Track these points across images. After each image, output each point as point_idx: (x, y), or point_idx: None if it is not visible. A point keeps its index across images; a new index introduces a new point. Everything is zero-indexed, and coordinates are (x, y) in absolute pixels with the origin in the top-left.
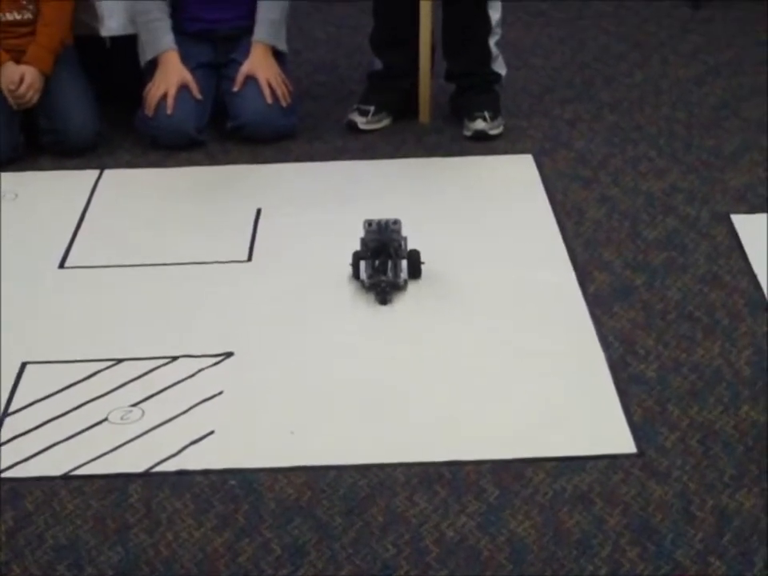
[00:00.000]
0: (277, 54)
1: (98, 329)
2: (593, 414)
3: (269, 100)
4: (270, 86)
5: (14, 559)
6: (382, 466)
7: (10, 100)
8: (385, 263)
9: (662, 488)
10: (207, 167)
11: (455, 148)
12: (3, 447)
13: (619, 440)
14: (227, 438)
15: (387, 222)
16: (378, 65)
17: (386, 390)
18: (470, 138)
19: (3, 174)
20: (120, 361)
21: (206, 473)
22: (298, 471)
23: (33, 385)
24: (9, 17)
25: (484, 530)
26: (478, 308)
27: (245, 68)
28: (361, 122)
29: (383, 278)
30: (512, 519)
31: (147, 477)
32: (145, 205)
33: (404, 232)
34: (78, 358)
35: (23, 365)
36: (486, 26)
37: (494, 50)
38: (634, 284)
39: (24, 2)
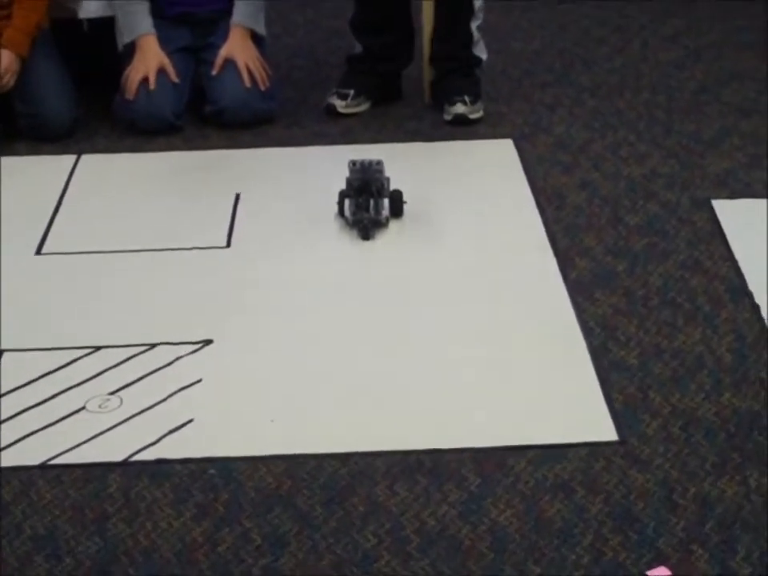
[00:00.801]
0: (255, 38)
1: (75, 316)
2: (574, 401)
3: (247, 84)
4: (248, 69)
5: None
6: (362, 455)
7: None
8: (367, 200)
9: (643, 476)
10: (185, 152)
11: (435, 133)
12: None
13: (601, 428)
14: (206, 427)
15: (371, 161)
16: (358, 48)
17: (367, 376)
18: (450, 123)
19: None
20: (98, 348)
21: (185, 462)
22: (278, 460)
23: (9, 373)
24: None
25: (465, 519)
26: (459, 294)
27: (223, 51)
28: (340, 105)
29: (365, 214)
30: (493, 508)
31: (126, 466)
32: (122, 190)
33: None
34: (55, 346)
35: (0, 353)
36: (470, 10)
37: (475, 34)
38: (616, 270)
39: None
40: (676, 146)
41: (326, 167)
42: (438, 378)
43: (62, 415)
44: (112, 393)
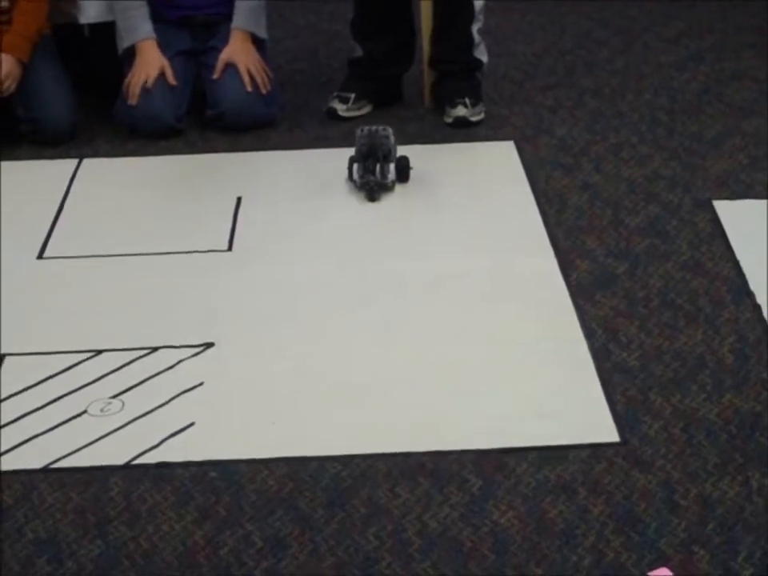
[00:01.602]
0: (256, 41)
1: (77, 320)
2: (575, 402)
3: (248, 87)
4: (249, 73)
5: None
6: (364, 457)
7: None
8: (374, 164)
9: (645, 477)
10: (187, 156)
11: (437, 135)
12: None
13: (602, 429)
14: (208, 430)
15: (377, 128)
16: (359, 52)
17: (368, 379)
18: (451, 125)
19: None
20: (100, 352)
21: (186, 465)
22: (280, 462)
23: (11, 377)
24: None
25: (467, 521)
26: (461, 296)
27: (224, 55)
28: (341, 109)
29: (372, 177)
30: (495, 510)
31: (127, 469)
32: (124, 194)
33: (385, 220)
34: (58, 350)
35: (2, 357)
36: (470, 13)
37: (476, 36)
38: (617, 271)
39: None
40: (677, 148)
41: (327, 170)
42: (439, 380)
43: (63, 419)
44: (114, 396)
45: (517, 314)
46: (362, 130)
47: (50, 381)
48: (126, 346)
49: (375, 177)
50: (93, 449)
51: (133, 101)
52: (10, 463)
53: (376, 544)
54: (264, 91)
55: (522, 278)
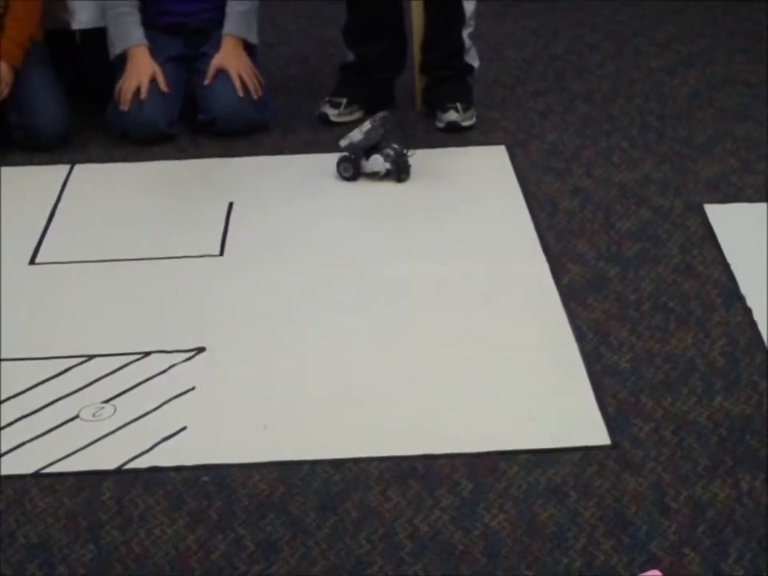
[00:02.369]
0: (248, 47)
1: (69, 325)
2: (567, 405)
3: (240, 93)
4: (240, 78)
5: None
6: (355, 461)
7: None
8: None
9: (636, 480)
10: (178, 161)
11: (428, 139)
12: None
13: (593, 432)
14: (200, 434)
15: (384, 116)
16: (351, 57)
17: (359, 382)
18: (443, 130)
19: None
20: (91, 357)
21: (178, 469)
22: (271, 466)
23: (3, 382)
24: None
25: (458, 524)
26: (452, 300)
27: (215, 61)
28: (333, 114)
29: (403, 154)
30: (486, 513)
31: (119, 474)
32: (116, 199)
33: (377, 224)
34: (49, 355)
35: None
36: (460, 19)
37: (467, 41)
38: (608, 275)
39: None
40: (668, 152)
41: (319, 175)
42: (431, 383)
43: (55, 424)
44: (106, 401)
45: (508, 317)
46: (374, 120)
47: (42, 386)
48: (117, 351)
49: (404, 154)
50: (85, 453)
51: (125, 107)
52: (2, 468)
53: (368, 548)
54: (255, 97)
55: (514, 282)
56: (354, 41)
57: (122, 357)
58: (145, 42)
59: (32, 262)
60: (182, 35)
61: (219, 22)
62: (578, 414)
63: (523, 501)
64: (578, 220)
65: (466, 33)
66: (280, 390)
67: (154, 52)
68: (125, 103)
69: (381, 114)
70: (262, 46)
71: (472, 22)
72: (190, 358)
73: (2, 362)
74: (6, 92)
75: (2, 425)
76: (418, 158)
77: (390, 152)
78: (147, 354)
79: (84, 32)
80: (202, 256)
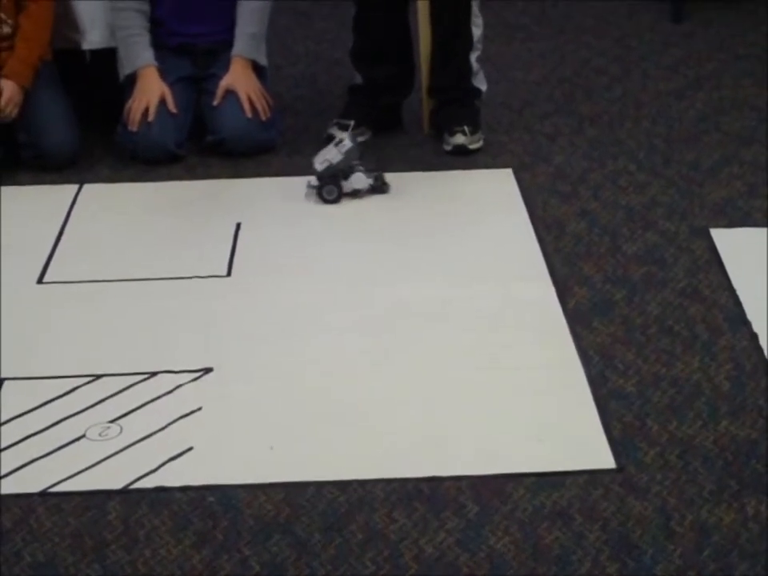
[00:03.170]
0: (257, 68)
1: (76, 344)
2: (572, 429)
3: (248, 114)
4: (249, 99)
5: None
6: (361, 482)
7: None
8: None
9: (641, 503)
10: (187, 182)
11: (435, 162)
12: None
13: (599, 455)
14: (206, 455)
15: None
16: (359, 79)
17: (365, 404)
18: (450, 153)
19: None
20: (98, 377)
21: (184, 489)
22: (277, 487)
23: (10, 401)
24: None
25: (463, 546)
26: (458, 323)
27: (224, 82)
28: (341, 136)
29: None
30: (491, 535)
31: (125, 494)
32: (124, 219)
33: (384, 246)
34: (56, 374)
35: (1, 381)
36: (468, 42)
37: (474, 65)
38: (614, 298)
39: (3, 17)
40: (675, 175)
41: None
42: (437, 405)
43: (62, 443)
44: (112, 421)
45: (514, 340)
46: (349, 139)
47: (49, 405)
48: (124, 371)
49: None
50: (91, 473)
51: (134, 127)
52: (9, 487)
53: (373, 569)
54: (264, 118)
55: (520, 305)
56: (361, 63)
57: (129, 377)
58: (154, 62)
59: (40, 281)
60: (191, 56)
61: (228, 43)
62: (583, 438)
63: (528, 524)
64: (585, 243)
65: (473, 56)
66: (286, 411)
67: (164, 73)
68: (134, 124)
69: (350, 133)
70: (270, 68)
71: (480, 45)
72: (196, 378)
73: (10, 381)
74: (15, 112)
75: (10, 443)
76: (425, 180)
77: (362, 167)
78: (154, 373)
79: (94, 52)
80: (209, 276)
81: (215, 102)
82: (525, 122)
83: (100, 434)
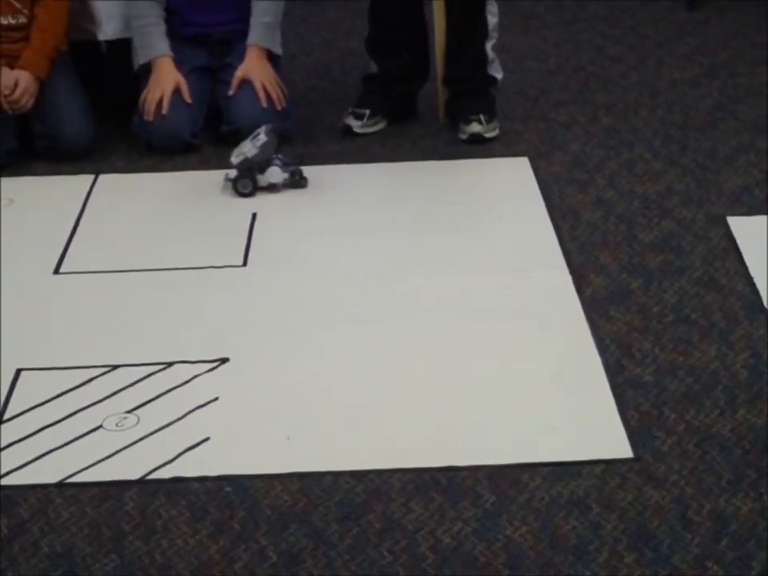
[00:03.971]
0: (272, 58)
1: (92, 335)
2: (589, 418)
3: (264, 103)
4: (264, 89)
5: (8, 567)
6: (378, 472)
7: (5, 105)
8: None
9: (658, 493)
10: (202, 171)
11: (451, 151)
12: None
13: (615, 445)
14: (223, 445)
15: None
16: (374, 68)
17: (382, 394)
18: (466, 141)
19: None
20: (115, 367)
21: (201, 479)
22: (294, 477)
23: (27, 392)
24: (3, 21)
25: (480, 536)
26: (474, 312)
27: (239, 72)
28: (356, 125)
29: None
30: (508, 525)
31: (142, 484)
32: (140, 210)
33: (399, 236)
34: (73, 365)
35: (18, 371)
36: (483, 31)
37: (490, 53)
38: (630, 287)
39: (19, 6)
40: (691, 164)
41: (342, 186)
42: (453, 395)
43: (79, 433)
44: (129, 411)
45: (530, 329)
46: (266, 133)
47: (66, 395)
48: (141, 361)
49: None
50: (108, 463)
51: (149, 117)
52: (26, 477)
53: (390, 559)
54: (279, 107)
55: (536, 294)
56: (376, 52)
57: (146, 367)
58: (169, 52)
59: (56, 271)
60: (206, 46)
61: (244, 33)
62: (600, 427)
63: (545, 513)
64: (601, 232)
65: (489, 45)
66: (303, 401)
67: (179, 63)
68: (149, 114)
69: (267, 126)
70: (285, 57)
71: (495, 34)
72: (213, 369)
73: (27, 371)
74: (30, 102)
75: (27, 434)
76: (441, 168)
77: (279, 162)
78: (171, 364)
79: (109, 43)
80: (225, 266)
81: (230, 92)
82: (540, 111)
83: (117, 425)
